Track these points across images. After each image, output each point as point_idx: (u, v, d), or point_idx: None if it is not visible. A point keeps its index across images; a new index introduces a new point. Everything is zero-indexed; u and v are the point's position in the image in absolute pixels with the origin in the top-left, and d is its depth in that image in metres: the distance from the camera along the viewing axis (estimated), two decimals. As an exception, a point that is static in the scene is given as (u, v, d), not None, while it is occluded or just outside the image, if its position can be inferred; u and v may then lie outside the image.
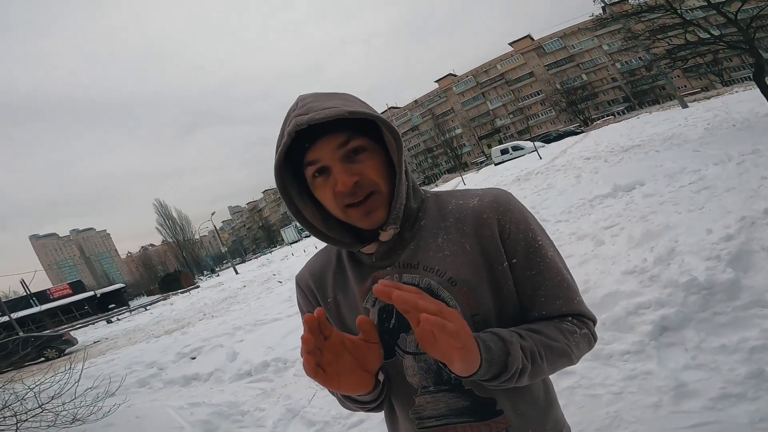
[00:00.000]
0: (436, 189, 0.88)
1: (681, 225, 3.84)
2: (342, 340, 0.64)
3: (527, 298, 0.75)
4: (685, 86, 49.23)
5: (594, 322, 0.78)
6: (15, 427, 2.93)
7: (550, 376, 0.84)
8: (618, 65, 59.40)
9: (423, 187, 0.84)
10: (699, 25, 11.43)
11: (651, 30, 12.37)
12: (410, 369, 0.77)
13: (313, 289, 0.85)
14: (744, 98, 16.01)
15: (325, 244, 0.84)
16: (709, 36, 11.18)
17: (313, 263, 0.88)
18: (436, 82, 77.58)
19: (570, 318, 0.75)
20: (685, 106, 21.30)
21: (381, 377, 0.73)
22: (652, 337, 2.57)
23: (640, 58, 43.52)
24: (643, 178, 6.74)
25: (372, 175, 0.70)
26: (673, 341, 2.51)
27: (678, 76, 46.04)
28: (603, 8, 18.87)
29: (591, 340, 0.77)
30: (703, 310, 2.60)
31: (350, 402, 0.78)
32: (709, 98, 24.20)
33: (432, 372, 0.75)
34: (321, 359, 0.61)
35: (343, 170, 0.68)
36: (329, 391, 0.86)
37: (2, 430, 2.98)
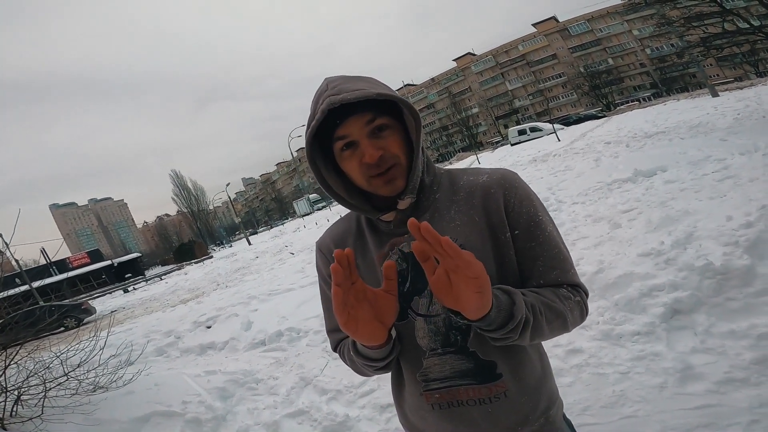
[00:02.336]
0: (449, 167, 0.95)
1: (701, 211, 3.79)
2: (365, 289, 0.68)
3: (527, 267, 0.82)
4: (718, 75, 47.32)
5: (586, 294, 0.85)
6: (43, 395, 2.96)
7: (545, 350, 0.92)
8: (648, 51, 57.20)
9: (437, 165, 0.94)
10: (738, 15, 10.97)
11: (686, 17, 11.90)
12: (421, 331, 0.83)
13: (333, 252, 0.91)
14: (778, 90, 15.32)
15: (342, 215, 0.93)
16: (748, 26, 10.73)
17: (334, 229, 0.95)
18: (454, 60, 76.00)
19: (565, 286, 0.82)
20: (715, 94, 20.54)
21: (393, 334, 0.79)
22: (663, 320, 2.59)
23: (672, 44, 41.79)
24: (665, 164, 6.61)
25: (394, 150, 0.78)
26: (684, 324, 2.52)
27: (711, 65, 44.25)
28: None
29: (583, 309, 0.83)
30: (716, 294, 2.59)
31: (362, 359, 0.81)
32: (741, 88, 23.21)
33: (441, 334, 0.82)
34: (346, 300, 0.65)
35: (370, 144, 0.76)
36: (343, 358, 0.92)
37: (26, 399, 3.03)
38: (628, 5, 17.74)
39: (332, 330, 0.95)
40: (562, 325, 0.79)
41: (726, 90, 24.52)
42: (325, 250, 0.93)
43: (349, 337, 0.87)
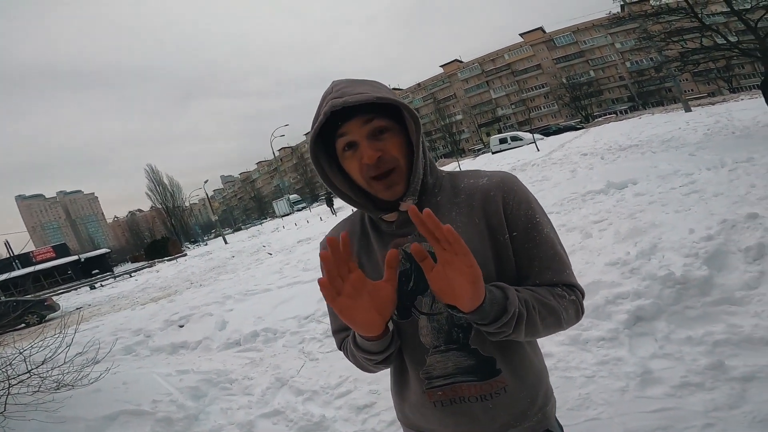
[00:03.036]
0: (448, 169, 0.99)
1: (666, 224, 3.96)
2: (364, 280, 0.71)
3: (524, 268, 0.84)
4: (692, 90, 49.08)
5: (582, 294, 0.87)
6: (5, 392, 2.85)
7: (540, 350, 0.94)
8: (627, 64, 59.02)
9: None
10: (717, 31, 11.35)
11: (667, 32, 12.26)
12: (424, 329, 0.86)
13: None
14: (748, 106, 15.91)
15: (341, 221, 0.96)
16: (725, 42, 11.12)
17: (339, 228, 0.98)
18: (441, 66, 76.76)
19: (561, 286, 0.84)
20: (688, 109, 21.23)
21: (391, 327, 0.80)
22: (626, 326, 2.70)
23: (651, 58, 43.13)
24: (636, 177, 6.83)
25: (393, 152, 0.81)
26: (645, 331, 2.64)
27: (686, 80, 45.87)
28: (622, 6, 18.57)
29: (578, 308, 0.85)
30: (676, 303, 2.73)
31: (361, 352, 0.83)
32: (714, 104, 24.09)
33: (443, 332, 0.85)
34: (342, 289, 0.68)
35: (368, 146, 0.79)
36: (346, 354, 0.93)
37: None
38: (613, 19, 18.24)
39: (337, 330, 0.98)
40: (555, 322, 0.80)
41: (699, 105, 25.42)
42: None
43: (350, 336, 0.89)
